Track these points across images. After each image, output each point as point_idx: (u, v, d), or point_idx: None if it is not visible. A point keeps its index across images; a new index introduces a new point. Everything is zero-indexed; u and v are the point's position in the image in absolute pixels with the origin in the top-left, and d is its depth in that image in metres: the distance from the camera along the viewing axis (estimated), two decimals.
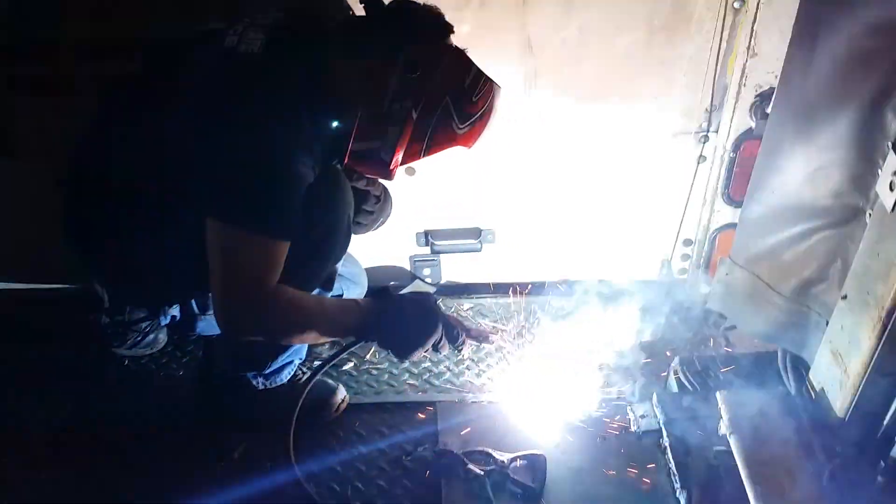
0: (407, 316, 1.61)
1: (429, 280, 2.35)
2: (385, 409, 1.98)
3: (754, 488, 1.51)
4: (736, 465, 1.56)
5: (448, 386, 2.05)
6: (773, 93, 1.77)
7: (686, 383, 1.80)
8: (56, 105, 1.96)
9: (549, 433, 1.85)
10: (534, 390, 1.95)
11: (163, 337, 2.16)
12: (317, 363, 1.89)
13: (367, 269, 2.18)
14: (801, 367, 1.70)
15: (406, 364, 2.10)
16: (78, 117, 1.66)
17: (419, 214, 2.24)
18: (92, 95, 1.71)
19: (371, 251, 2.23)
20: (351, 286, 2.07)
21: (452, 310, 2.29)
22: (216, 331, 1.87)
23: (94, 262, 1.76)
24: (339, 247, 1.72)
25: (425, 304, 1.65)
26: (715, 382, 1.78)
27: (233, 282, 1.48)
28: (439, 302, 1.74)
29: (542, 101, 1.99)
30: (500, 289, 2.36)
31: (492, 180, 2.15)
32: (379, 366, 2.11)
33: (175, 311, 1.97)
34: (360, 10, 1.68)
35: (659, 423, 1.76)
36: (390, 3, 1.58)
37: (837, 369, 1.55)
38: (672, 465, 1.69)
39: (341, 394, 1.96)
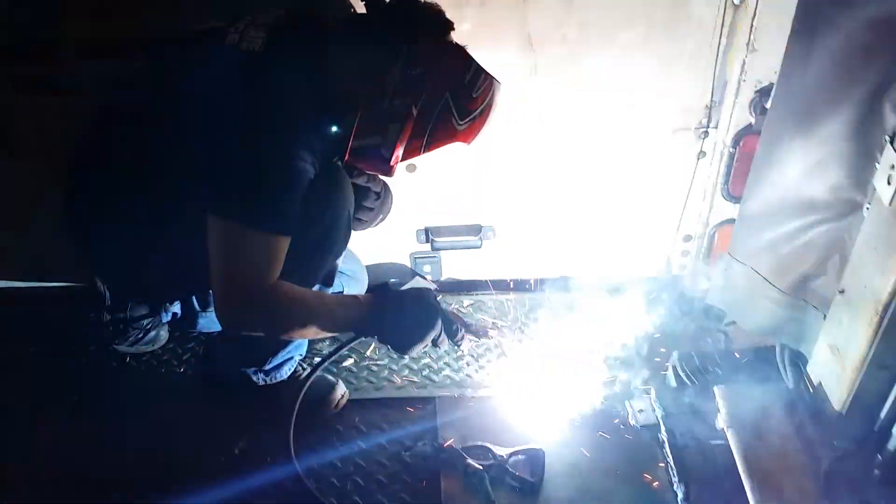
0: (406, 311, 1.62)
1: (429, 277, 2.36)
2: (385, 404, 1.98)
3: (751, 481, 1.52)
4: (733, 459, 1.57)
5: (448, 382, 2.05)
6: (772, 88, 1.77)
7: (684, 378, 1.80)
8: (57, 104, 1.96)
9: (548, 428, 1.86)
10: (533, 386, 1.96)
11: (164, 334, 2.17)
12: (317, 359, 1.91)
13: (367, 267, 2.19)
14: (799, 362, 1.71)
15: (406, 360, 2.11)
16: (78, 116, 1.67)
17: (420, 211, 2.24)
18: (93, 94, 1.72)
19: (371, 248, 2.23)
20: (351, 283, 2.07)
21: (452, 306, 2.30)
22: (217, 328, 1.90)
23: (95, 258, 1.77)
24: (339, 243, 1.72)
25: (425, 299, 1.66)
26: (713, 377, 1.79)
27: (233, 277, 1.49)
28: (439, 298, 1.74)
29: (542, 98, 1.99)
30: (500, 286, 2.36)
31: (492, 177, 2.15)
32: (379, 362, 2.11)
33: (176, 308, 1.98)
34: (361, 8, 1.69)
35: (657, 417, 1.77)
36: (391, 0, 1.58)
37: (835, 363, 1.55)
38: (670, 459, 1.70)
39: (341, 389, 1.97)
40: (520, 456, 1.75)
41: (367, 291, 2.11)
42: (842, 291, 1.53)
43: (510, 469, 1.72)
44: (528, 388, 1.96)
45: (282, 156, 1.46)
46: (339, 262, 1.81)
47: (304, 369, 1.98)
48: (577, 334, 2.07)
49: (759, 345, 1.87)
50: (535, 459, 1.74)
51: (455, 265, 2.36)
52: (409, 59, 1.53)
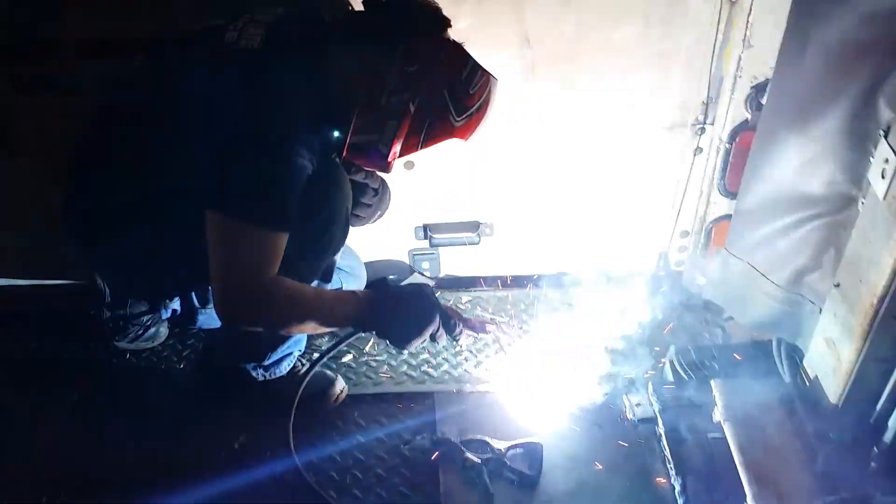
0: (404, 306, 1.63)
1: (427, 273, 2.37)
2: (384, 399, 1.99)
3: (748, 474, 1.52)
4: (730, 452, 1.57)
5: (446, 377, 2.06)
6: (768, 84, 1.77)
7: (681, 372, 1.81)
8: (57, 104, 1.97)
9: (546, 422, 1.86)
10: (531, 380, 1.97)
11: (164, 331, 2.18)
12: (316, 355, 1.91)
13: (366, 264, 2.19)
14: (795, 356, 1.71)
15: (404, 355, 2.12)
16: (78, 116, 1.68)
17: (418, 208, 2.25)
18: (92, 94, 1.73)
19: (370, 245, 2.24)
20: (350, 279, 2.08)
21: (451, 302, 2.31)
22: (217, 324, 1.91)
23: (95, 255, 1.78)
24: (337, 239, 1.73)
25: (422, 294, 1.67)
26: (710, 371, 1.80)
27: (232, 273, 1.50)
28: (437, 294, 1.75)
29: (539, 95, 2.00)
30: (499, 282, 2.37)
31: (490, 174, 2.16)
32: (378, 357, 2.12)
33: (176, 304, 1.99)
34: (359, 6, 1.70)
35: (654, 411, 1.78)
36: None
37: (831, 357, 1.56)
38: (667, 452, 1.70)
39: (340, 385, 1.98)
40: (518, 449, 1.76)
41: (365, 287, 2.12)
42: (837, 285, 1.53)
43: (508, 462, 1.73)
44: (526, 383, 1.97)
45: (280, 152, 1.47)
46: (338, 257, 1.83)
47: (303, 365, 1.99)
48: (574, 330, 2.08)
49: (756, 339, 1.87)
50: (533, 453, 1.75)
51: (453, 262, 2.37)
52: (406, 56, 1.54)
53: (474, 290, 2.38)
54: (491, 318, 2.20)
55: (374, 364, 2.11)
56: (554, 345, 2.04)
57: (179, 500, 1.68)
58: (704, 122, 2.01)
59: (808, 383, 1.65)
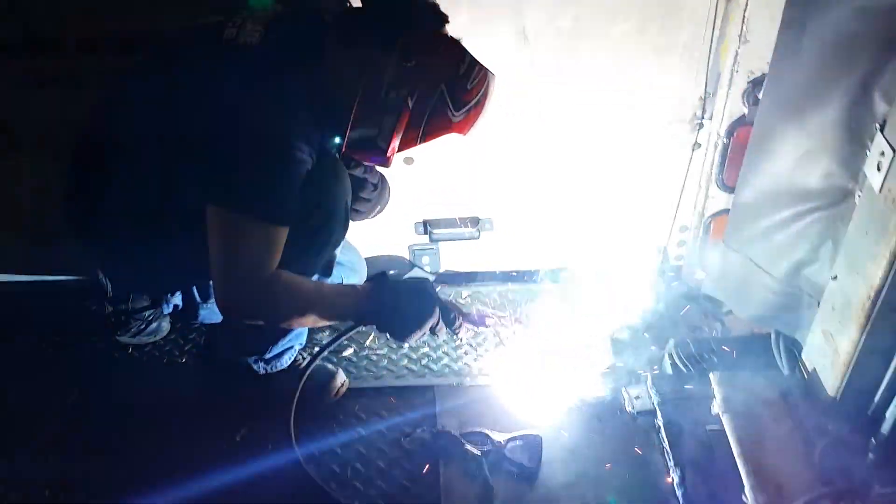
0: (404, 300, 1.64)
1: (427, 268, 2.38)
2: (384, 393, 2.00)
3: (746, 466, 1.53)
4: (728, 444, 1.58)
5: (446, 370, 2.07)
6: (764, 79, 1.78)
7: (680, 365, 1.82)
8: (58, 99, 1.98)
9: (546, 415, 1.87)
10: (530, 374, 1.98)
11: (166, 325, 2.19)
12: (317, 349, 1.93)
13: (366, 259, 2.20)
14: (793, 349, 1.72)
15: (405, 349, 2.13)
16: (80, 111, 1.69)
17: (418, 204, 2.26)
18: (94, 89, 1.74)
19: (371, 240, 2.25)
20: (351, 274, 2.09)
21: (451, 297, 2.32)
22: (218, 319, 1.93)
23: (96, 250, 1.80)
24: (337, 233, 1.74)
25: (422, 288, 1.68)
26: (709, 364, 1.81)
27: (232, 266, 1.51)
28: (437, 288, 1.76)
29: (538, 91, 2.01)
30: (499, 277, 2.38)
31: (489, 169, 2.17)
32: (378, 351, 2.13)
33: (177, 299, 2.00)
34: (357, 2, 1.71)
35: (653, 403, 1.79)
36: None
37: (829, 349, 1.57)
38: (666, 444, 1.71)
39: (341, 378, 1.99)
40: (517, 442, 1.77)
41: (365, 281, 2.13)
42: (835, 278, 1.54)
43: (508, 455, 1.74)
44: (526, 376, 1.98)
45: (279, 148, 1.49)
46: (338, 252, 1.84)
47: (304, 358, 2.01)
48: (573, 324, 2.09)
49: (755, 332, 1.88)
50: (532, 445, 1.76)
51: (453, 257, 2.38)
52: (404, 51, 1.55)
53: (474, 285, 2.39)
54: (490, 312, 2.21)
55: (374, 358, 2.12)
56: (552, 341, 2.05)
57: (182, 493, 1.69)
58: (702, 118, 2.02)
59: (806, 376, 1.65)
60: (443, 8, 1.60)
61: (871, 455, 1.52)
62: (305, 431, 1.84)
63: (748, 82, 1.87)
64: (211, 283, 1.65)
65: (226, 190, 1.49)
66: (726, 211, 2.06)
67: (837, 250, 1.55)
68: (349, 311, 1.65)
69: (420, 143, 1.63)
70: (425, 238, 2.32)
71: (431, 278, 2.36)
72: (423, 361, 2.11)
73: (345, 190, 1.71)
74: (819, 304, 1.60)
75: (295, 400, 1.84)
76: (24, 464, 1.81)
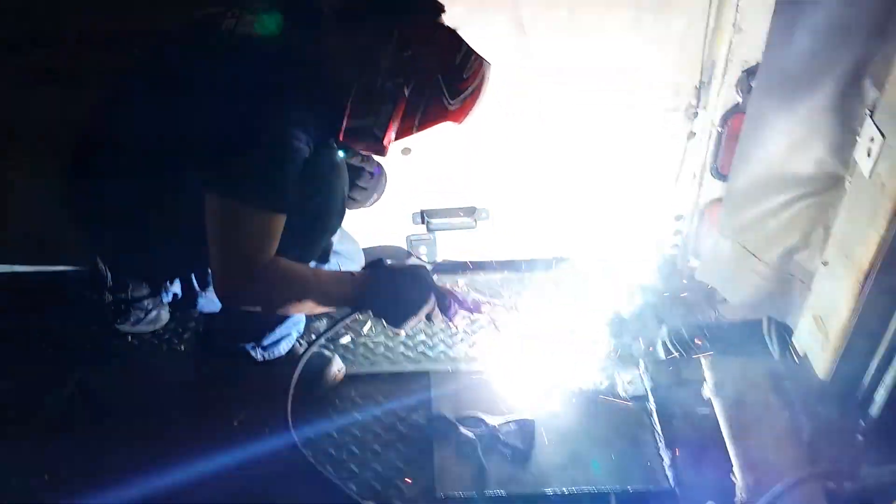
0: (400, 286, 1.66)
1: (425, 258, 2.39)
2: (380, 378, 2.02)
3: (736, 448, 1.55)
4: (719, 426, 1.60)
5: (442, 357, 2.09)
6: (758, 67, 1.80)
7: (672, 350, 1.84)
8: (59, 91, 2.00)
9: (539, 399, 1.89)
10: (524, 360, 2.00)
11: (165, 314, 2.21)
12: (314, 336, 1.95)
13: (364, 249, 2.22)
14: (784, 334, 1.74)
15: (401, 337, 2.15)
16: (79, 102, 1.71)
17: (415, 194, 2.28)
18: (94, 83, 1.75)
19: (368, 230, 2.27)
20: (348, 263, 2.10)
21: (447, 285, 2.33)
22: (216, 308, 1.94)
23: (96, 238, 1.81)
24: (334, 221, 1.76)
25: (418, 275, 1.70)
26: (701, 349, 1.82)
27: (230, 254, 1.53)
28: (434, 277, 1.79)
29: (534, 80, 2.03)
30: (495, 266, 2.40)
31: (486, 160, 2.19)
32: (375, 339, 2.15)
33: (176, 288, 2.02)
34: None
35: (645, 388, 1.81)
36: None
37: (819, 333, 1.59)
38: (657, 427, 1.73)
39: (337, 364, 2.01)
40: (511, 425, 1.79)
41: (362, 268, 2.15)
42: (825, 263, 1.56)
43: (502, 438, 1.76)
44: (520, 362, 2.00)
45: (277, 135, 1.50)
46: (335, 240, 1.86)
47: (301, 346, 2.03)
48: (568, 312, 2.11)
49: (747, 319, 1.90)
50: (525, 428, 1.78)
51: (450, 246, 2.40)
52: (401, 41, 1.56)
53: (471, 274, 2.40)
54: (486, 300, 2.23)
55: (371, 345, 2.14)
56: (547, 328, 2.07)
57: (181, 477, 1.70)
58: (697, 107, 2.04)
59: (797, 360, 1.68)
60: None
61: (860, 437, 1.54)
62: (302, 417, 1.86)
63: (742, 71, 1.88)
64: (209, 270, 1.66)
65: (224, 178, 1.50)
66: (721, 199, 2.08)
67: (828, 236, 1.57)
68: (346, 298, 1.66)
69: (416, 131, 1.64)
70: (422, 228, 2.34)
71: (429, 268, 2.38)
72: (420, 348, 2.13)
73: (342, 178, 1.73)
74: (810, 289, 1.63)
75: (292, 386, 1.86)
76: (24, 449, 1.83)
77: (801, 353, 1.65)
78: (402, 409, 1.91)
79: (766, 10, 1.61)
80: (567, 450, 1.76)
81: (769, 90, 1.65)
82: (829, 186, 1.58)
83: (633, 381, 1.86)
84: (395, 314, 1.67)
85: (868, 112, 1.42)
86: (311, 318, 2.13)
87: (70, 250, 2.11)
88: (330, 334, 2.04)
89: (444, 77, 1.58)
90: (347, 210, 1.81)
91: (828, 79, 1.50)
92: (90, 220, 1.75)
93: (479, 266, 2.41)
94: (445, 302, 1.72)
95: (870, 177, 1.40)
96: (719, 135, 2.01)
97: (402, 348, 2.13)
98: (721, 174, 2.05)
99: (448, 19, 1.63)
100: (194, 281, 1.95)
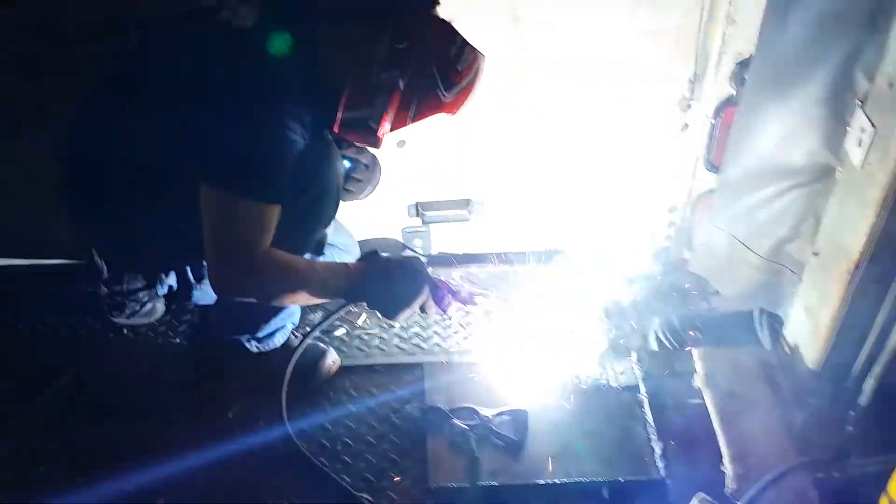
0: (394, 277, 1.66)
1: (420, 251, 2.40)
2: (375, 370, 2.03)
3: (726, 438, 1.56)
4: (709, 417, 1.61)
5: (436, 349, 2.10)
6: (751, 59, 1.80)
7: (664, 342, 1.85)
8: (54, 81, 2.00)
9: (532, 390, 1.90)
10: (517, 351, 2.00)
11: (160, 307, 2.21)
12: (309, 328, 1.95)
13: (359, 241, 2.22)
14: (776, 325, 1.75)
15: (396, 328, 2.16)
16: (76, 93, 1.71)
17: (410, 186, 2.28)
18: (89, 72, 1.75)
19: (363, 222, 2.27)
20: (343, 256, 2.11)
21: (441, 277, 2.34)
22: (211, 300, 1.95)
23: (92, 230, 1.82)
24: (328, 211, 1.76)
25: (412, 266, 1.70)
26: (693, 341, 1.83)
27: (225, 245, 1.53)
28: (429, 269, 1.79)
29: (528, 73, 2.03)
30: (489, 258, 2.41)
31: (480, 152, 2.19)
32: (370, 331, 2.16)
33: (172, 281, 2.02)
34: None
35: (637, 379, 1.82)
36: None
37: (809, 323, 1.60)
38: (648, 417, 1.75)
39: (332, 356, 2.02)
40: (504, 416, 1.80)
41: (356, 259, 2.16)
42: (816, 254, 1.57)
43: (495, 428, 1.77)
44: (513, 354, 2.00)
45: (272, 127, 1.50)
46: (329, 231, 1.86)
47: (296, 337, 2.03)
48: (561, 303, 2.12)
49: (739, 310, 1.90)
50: (518, 419, 1.79)
51: (445, 239, 2.40)
52: (395, 32, 1.56)
53: (465, 267, 2.41)
54: (480, 291, 2.23)
55: (366, 337, 2.14)
56: (540, 320, 2.07)
57: (176, 469, 1.71)
58: (691, 99, 2.04)
59: (787, 350, 1.68)
60: None
61: (850, 427, 1.55)
62: (297, 408, 1.87)
63: (736, 63, 1.89)
64: (205, 262, 1.67)
65: (218, 169, 1.50)
66: (713, 191, 2.09)
67: (819, 227, 1.58)
68: (340, 289, 1.66)
69: (411, 123, 1.64)
70: (417, 220, 2.34)
71: (423, 259, 2.39)
72: (414, 340, 2.14)
73: (336, 170, 1.73)
74: (801, 280, 1.63)
75: (287, 378, 1.87)
76: (20, 442, 1.84)
77: (791, 344, 1.66)
78: (396, 401, 1.93)
79: (759, 1, 1.61)
80: (559, 440, 1.77)
81: (762, 82, 1.65)
82: (820, 177, 1.59)
83: (624, 371, 1.87)
84: (389, 305, 1.67)
85: (859, 103, 1.42)
86: (305, 310, 2.13)
87: (65, 243, 2.12)
88: (325, 326, 2.04)
89: (439, 69, 1.58)
90: (342, 202, 1.81)
91: (820, 70, 1.50)
92: (85, 213, 1.75)
93: (473, 258, 2.42)
94: (439, 293, 1.72)
95: (860, 167, 1.41)
96: (712, 127, 2.01)
97: (396, 340, 2.14)
98: (714, 166, 2.05)
99: (442, 11, 1.63)
100: (189, 273, 1.96)
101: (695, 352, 1.70)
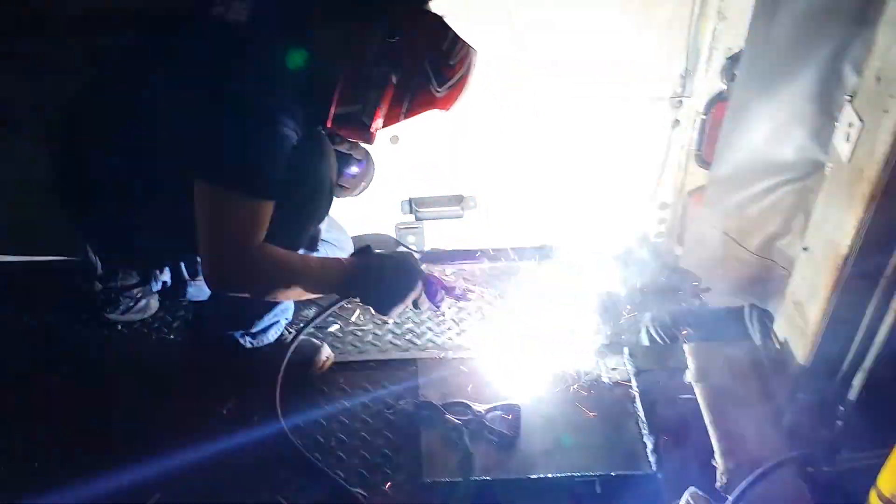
0: (387, 272, 1.67)
1: (413, 247, 2.41)
2: (368, 366, 2.03)
3: (717, 432, 1.57)
4: (701, 412, 1.62)
5: (430, 345, 2.10)
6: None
7: (656, 337, 1.86)
8: (48, 78, 1.99)
9: (525, 386, 1.91)
10: (510, 347, 2.02)
11: (154, 303, 2.21)
12: (303, 324, 1.96)
13: (352, 237, 2.23)
14: (766, 320, 1.76)
15: (389, 324, 2.16)
16: (70, 89, 1.71)
17: (404, 183, 2.29)
18: (84, 68, 1.75)
19: (357, 219, 2.28)
20: (336, 252, 2.12)
21: (435, 273, 2.34)
22: (205, 296, 1.96)
23: (86, 225, 1.82)
24: (322, 207, 1.77)
25: (405, 261, 1.71)
26: (684, 336, 1.84)
27: (219, 240, 1.54)
28: (422, 266, 1.80)
29: (521, 70, 2.04)
30: (481, 254, 2.41)
31: (474, 149, 2.20)
32: (363, 327, 2.16)
33: (166, 277, 2.03)
34: None
35: (629, 374, 1.83)
36: None
37: (799, 319, 1.61)
38: (640, 412, 1.75)
39: (326, 352, 2.02)
40: (497, 411, 1.80)
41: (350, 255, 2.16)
42: (805, 249, 1.58)
43: (488, 424, 1.78)
44: (506, 350, 2.01)
45: (265, 122, 1.51)
46: (323, 226, 1.86)
47: (290, 333, 2.04)
48: (554, 299, 2.13)
49: (730, 305, 1.91)
50: (511, 414, 1.79)
51: (438, 235, 2.41)
52: (388, 27, 1.57)
53: (458, 263, 2.41)
54: (473, 287, 2.24)
55: (359, 333, 2.15)
56: (533, 316, 2.08)
57: (171, 464, 1.71)
58: (682, 95, 2.05)
59: (777, 345, 1.70)
60: None
61: (839, 422, 1.56)
62: (291, 404, 1.87)
63: (726, 59, 1.90)
64: (198, 258, 1.67)
65: (212, 165, 1.51)
66: (704, 187, 2.09)
67: (808, 222, 1.58)
68: (334, 284, 1.67)
69: (404, 118, 1.65)
70: (411, 217, 2.35)
71: (417, 255, 2.39)
72: (407, 336, 2.14)
73: (329, 165, 1.74)
74: (791, 275, 1.65)
75: (281, 373, 1.87)
76: (13, 438, 1.84)
77: (781, 340, 1.67)
78: (390, 397, 1.93)
79: None
80: (552, 435, 1.77)
81: (752, 77, 1.67)
82: (810, 172, 1.60)
83: (616, 367, 1.88)
84: (382, 300, 1.68)
85: (848, 98, 1.43)
86: (299, 306, 2.14)
87: (59, 239, 2.12)
88: (318, 321, 2.05)
89: (431, 63, 1.59)
90: (336, 198, 1.82)
91: (809, 65, 1.52)
92: (79, 209, 1.76)
93: (466, 255, 2.43)
94: (432, 289, 1.74)
95: (848, 162, 1.42)
96: (703, 122, 2.02)
97: (389, 336, 2.14)
98: (705, 161, 2.06)
99: (435, 6, 1.64)
100: (183, 269, 1.97)
101: (686, 347, 1.71)
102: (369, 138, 1.66)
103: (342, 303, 2.01)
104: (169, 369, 2.03)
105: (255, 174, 1.51)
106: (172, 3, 1.69)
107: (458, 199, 2.31)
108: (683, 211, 2.20)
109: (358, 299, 1.71)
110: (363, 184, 1.97)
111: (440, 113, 1.67)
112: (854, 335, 1.51)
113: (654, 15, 1.94)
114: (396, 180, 2.23)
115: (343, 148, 1.86)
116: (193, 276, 1.97)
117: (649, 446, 1.69)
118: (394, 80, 1.58)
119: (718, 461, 1.54)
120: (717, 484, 1.53)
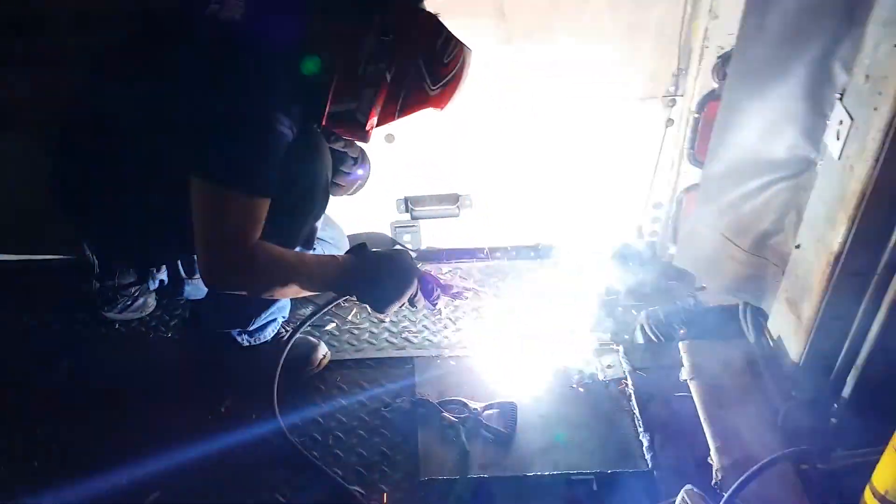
0: (384, 271, 1.67)
1: (409, 246, 2.41)
2: (365, 364, 2.04)
3: (712, 430, 1.58)
4: (696, 409, 1.63)
5: (426, 343, 2.11)
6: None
7: (651, 335, 1.87)
8: (44, 76, 1.99)
9: (521, 384, 1.91)
10: (506, 345, 2.03)
11: (152, 301, 2.22)
12: (299, 322, 1.97)
13: (348, 236, 2.23)
14: (760, 318, 1.77)
15: (386, 323, 2.17)
16: (66, 88, 1.71)
17: (399, 181, 2.29)
18: (80, 66, 1.76)
19: (353, 217, 2.28)
20: (332, 250, 2.12)
21: (431, 271, 2.35)
22: (202, 295, 1.96)
23: (83, 224, 1.82)
24: (318, 205, 1.77)
25: (402, 259, 1.71)
26: (679, 334, 1.85)
27: (215, 238, 1.54)
28: (418, 265, 1.80)
29: (515, 68, 2.04)
30: (477, 253, 2.43)
31: (469, 147, 2.20)
32: (360, 325, 2.17)
33: (163, 275, 2.03)
34: None
35: (624, 372, 1.83)
36: None
37: (792, 316, 1.62)
38: (636, 410, 1.76)
39: (323, 350, 2.03)
40: (493, 409, 1.81)
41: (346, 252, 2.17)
42: (798, 246, 1.59)
43: (484, 421, 1.78)
44: (502, 347, 2.02)
45: (260, 120, 1.51)
46: (319, 224, 1.87)
47: (287, 331, 2.04)
48: (549, 297, 2.13)
49: (725, 303, 1.93)
50: (508, 412, 1.80)
51: (434, 234, 2.42)
52: (382, 26, 1.57)
53: (454, 262, 2.42)
54: (469, 286, 2.24)
55: (356, 332, 2.15)
56: (529, 315, 2.09)
57: (169, 462, 1.72)
58: (675, 94, 2.06)
59: (771, 343, 1.71)
60: None
61: (833, 419, 1.57)
62: (288, 402, 1.88)
63: (718, 57, 1.90)
64: (195, 256, 1.68)
65: (207, 162, 1.51)
66: (698, 186, 2.10)
67: (801, 220, 1.59)
68: (330, 282, 1.67)
69: (399, 117, 1.65)
70: (407, 216, 2.35)
71: (413, 254, 2.40)
72: (404, 334, 2.15)
73: (325, 163, 1.74)
74: (784, 273, 1.65)
75: (278, 371, 1.88)
76: (13, 437, 1.85)
77: (775, 337, 1.68)
78: (387, 395, 1.94)
79: None
80: (548, 433, 1.78)
81: (743, 75, 1.67)
82: (802, 170, 1.61)
83: (612, 364, 1.89)
84: (379, 298, 1.68)
85: (838, 95, 1.44)
86: (295, 304, 2.14)
87: (56, 238, 2.12)
88: (315, 320, 2.05)
89: (426, 62, 1.59)
90: (332, 196, 1.82)
91: (799, 63, 1.52)
92: (76, 207, 1.76)
93: (462, 253, 2.43)
94: (428, 287, 1.74)
95: (839, 159, 1.43)
96: (696, 121, 2.03)
97: (386, 334, 2.14)
98: (698, 160, 2.07)
99: (430, 4, 1.64)
100: (180, 268, 1.96)
101: (681, 345, 1.72)
102: (365, 136, 1.66)
103: (339, 301, 2.01)
104: (166, 367, 2.03)
105: (250, 172, 1.51)
106: (169, 2, 1.70)
107: (454, 198, 2.31)
108: (677, 209, 2.21)
109: (354, 297, 1.72)
110: (359, 182, 1.97)
111: (435, 111, 1.68)
112: (847, 333, 1.52)
113: (645, 14, 1.94)
114: (392, 179, 2.23)
115: (339, 146, 1.86)
116: (191, 274, 1.97)
117: (645, 444, 1.70)
118: (388, 78, 1.58)
119: (714, 458, 1.56)
120: (713, 481, 1.54)
